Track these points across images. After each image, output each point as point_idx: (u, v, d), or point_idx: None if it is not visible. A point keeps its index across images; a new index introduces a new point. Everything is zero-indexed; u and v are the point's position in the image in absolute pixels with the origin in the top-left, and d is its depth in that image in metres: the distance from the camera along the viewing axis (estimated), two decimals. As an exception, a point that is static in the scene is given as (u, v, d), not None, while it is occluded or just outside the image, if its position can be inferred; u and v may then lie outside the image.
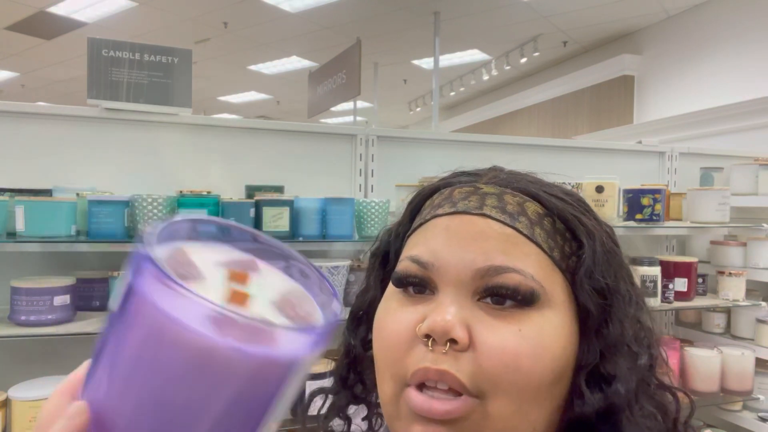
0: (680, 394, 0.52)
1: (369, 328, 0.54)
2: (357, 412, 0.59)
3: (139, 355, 0.29)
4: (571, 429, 0.45)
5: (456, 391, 0.43)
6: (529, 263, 0.45)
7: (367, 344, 0.55)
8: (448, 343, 0.43)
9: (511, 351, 0.42)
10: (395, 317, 0.47)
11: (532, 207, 0.48)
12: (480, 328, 0.43)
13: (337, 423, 0.59)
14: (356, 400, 0.57)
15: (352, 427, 0.58)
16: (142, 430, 0.30)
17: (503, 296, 0.44)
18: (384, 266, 0.57)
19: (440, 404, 0.42)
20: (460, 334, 0.42)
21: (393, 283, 0.49)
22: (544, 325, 0.44)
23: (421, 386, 0.44)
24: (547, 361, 0.43)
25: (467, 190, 0.49)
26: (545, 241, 0.46)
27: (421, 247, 0.48)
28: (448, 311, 0.43)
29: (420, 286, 0.47)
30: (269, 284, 0.34)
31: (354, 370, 0.57)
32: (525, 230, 0.46)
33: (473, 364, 0.43)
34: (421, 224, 0.50)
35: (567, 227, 0.48)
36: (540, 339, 0.43)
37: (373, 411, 0.58)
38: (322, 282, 0.35)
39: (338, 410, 0.58)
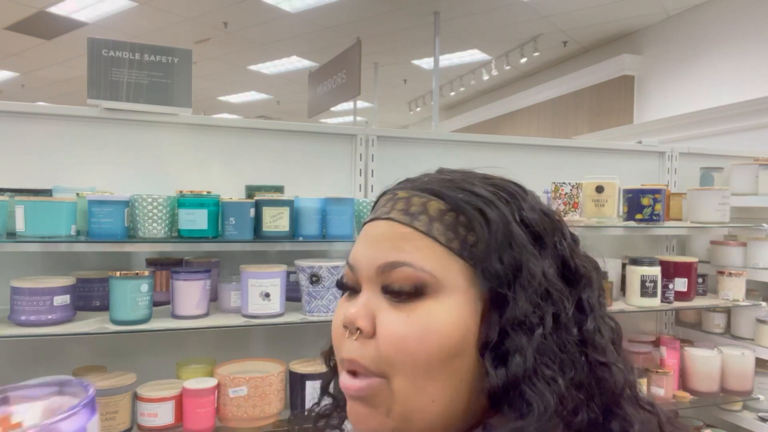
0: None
1: None
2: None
3: None
4: (493, 399, 0.49)
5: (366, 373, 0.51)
6: (422, 256, 0.51)
7: None
8: (358, 331, 0.51)
9: (398, 336, 0.49)
10: (337, 315, 0.56)
11: (435, 205, 0.53)
12: (381, 317, 0.51)
13: (324, 400, 0.67)
14: (340, 407, 0.65)
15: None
16: None
17: (395, 292, 0.51)
18: None
19: (353, 383, 0.51)
20: (362, 323, 0.51)
21: (336, 286, 0.58)
22: (434, 310, 0.50)
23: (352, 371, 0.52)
24: (434, 342, 0.49)
25: (388, 197, 0.57)
26: (443, 234, 0.52)
27: (351, 253, 0.56)
28: (356, 304, 0.52)
29: (353, 288, 0.55)
30: (29, 408, 0.49)
31: (335, 379, 0.64)
32: (422, 227, 0.52)
33: (375, 350, 0.50)
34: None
35: (467, 219, 0.52)
36: (426, 323, 0.49)
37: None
38: (82, 384, 0.48)
39: (324, 417, 0.65)
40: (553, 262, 0.53)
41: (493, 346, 0.49)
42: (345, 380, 0.52)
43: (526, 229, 0.53)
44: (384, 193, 0.59)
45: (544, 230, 0.54)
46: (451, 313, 0.50)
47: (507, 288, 0.50)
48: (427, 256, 0.51)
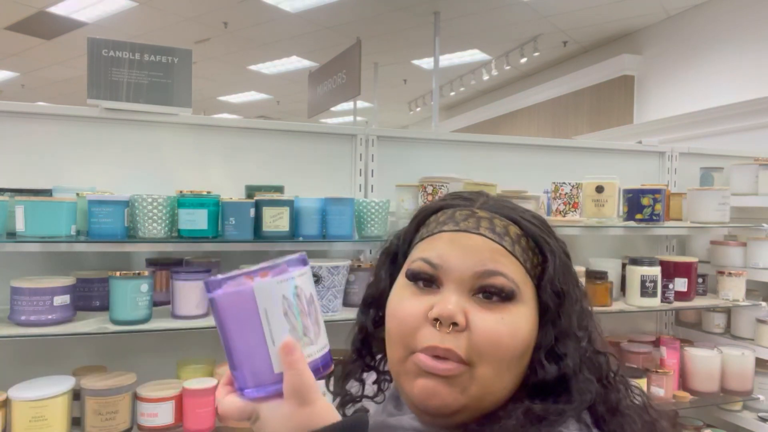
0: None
1: (378, 311, 0.72)
2: (367, 378, 0.75)
3: (218, 328, 0.53)
4: (533, 390, 0.62)
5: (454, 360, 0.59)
6: (511, 270, 0.62)
7: (377, 323, 0.72)
8: (452, 326, 0.59)
9: (495, 333, 0.59)
10: (409, 302, 0.63)
11: (513, 229, 0.65)
12: (474, 315, 0.60)
13: (352, 385, 0.75)
14: (368, 368, 0.75)
15: (366, 389, 0.74)
16: (235, 367, 0.52)
17: (491, 293, 0.61)
18: (393, 263, 0.72)
19: (443, 364, 0.59)
20: (460, 319, 0.59)
21: (407, 277, 0.65)
22: (518, 315, 0.61)
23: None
24: (519, 341, 0.60)
25: (466, 212, 0.66)
26: (521, 255, 0.63)
27: (431, 252, 0.64)
28: (452, 302, 0.60)
29: (429, 281, 0.63)
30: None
31: (365, 343, 0.74)
32: (509, 247, 0.63)
33: (468, 342, 0.59)
34: (429, 235, 0.67)
35: (537, 245, 0.65)
36: (515, 324, 0.60)
37: (381, 377, 0.74)
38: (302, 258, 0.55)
39: (354, 374, 0.74)
40: (577, 283, 0.67)
41: (548, 348, 0.62)
42: (429, 361, 0.59)
43: (567, 257, 0.67)
44: (444, 207, 0.69)
45: (569, 257, 0.68)
46: (528, 319, 0.62)
47: (559, 306, 0.63)
48: (513, 270, 0.62)
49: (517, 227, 0.65)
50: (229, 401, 0.53)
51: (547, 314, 0.63)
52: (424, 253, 0.64)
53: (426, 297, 0.62)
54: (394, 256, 0.72)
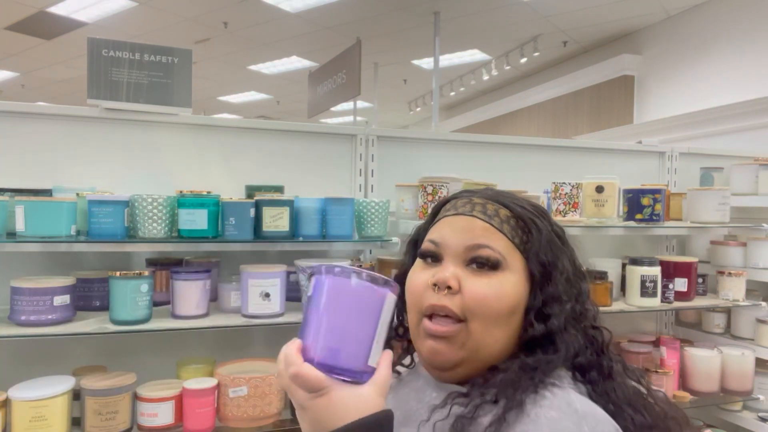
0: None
1: (403, 289, 0.81)
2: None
3: (326, 306, 0.61)
4: (527, 347, 0.73)
5: (451, 318, 0.72)
6: (498, 244, 0.74)
7: (403, 299, 0.81)
8: (447, 289, 0.72)
9: (482, 293, 0.72)
10: (418, 275, 0.77)
11: (504, 212, 0.77)
12: (465, 281, 0.73)
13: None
14: (398, 338, 0.87)
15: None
16: (331, 345, 0.60)
17: (481, 263, 0.73)
18: (414, 249, 0.85)
19: (441, 327, 0.72)
20: (453, 283, 0.72)
21: (418, 256, 0.80)
22: (504, 280, 0.73)
23: (431, 316, 0.73)
24: (504, 301, 0.72)
25: (464, 200, 0.80)
26: (509, 232, 0.75)
27: (435, 234, 0.78)
28: (448, 270, 0.73)
29: (434, 257, 0.77)
30: None
31: (396, 316, 0.84)
32: (497, 225, 0.75)
33: (461, 301, 0.72)
34: (436, 222, 0.81)
35: (524, 224, 0.76)
36: (500, 288, 0.72)
37: (410, 345, 0.85)
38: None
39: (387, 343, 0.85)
40: (570, 261, 0.78)
41: (537, 310, 0.73)
42: (430, 324, 0.73)
43: (557, 237, 0.78)
44: (451, 199, 0.82)
45: (563, 238, 0.79)
46: (514, 284, 0.73)
47: (547, 275, 0.74)
48: (500, 245, 0.74)
49: (507, 210, 0.77)
50: (309, 368, 0.60)
51: (535, 281, 0.74)
52: (431, 235, 0.79)
53: (431, 269, 0.76)
54: (416, 242, 0.85)
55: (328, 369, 0.60)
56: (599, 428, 0.64)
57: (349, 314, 0.61)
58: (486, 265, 0.73)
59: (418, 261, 0.79)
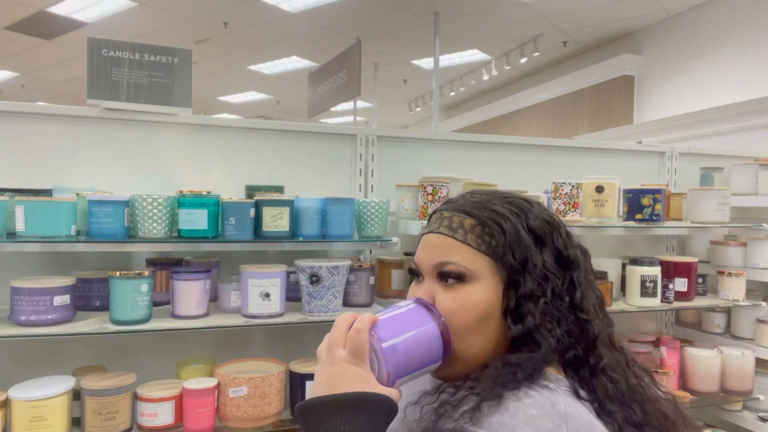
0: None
1: None
2: None
3: (418, 334, 0.75)
4: (512, 346, 0.76)
5: None
6: (461, 257, 0.77)
7: None
8: None
9: (449, 307, 0.77)
10: (412, 291, 0.83)
11: (468, 221, 0.79)
12: (437, 296, 0.79)
13: None
14: None
15: None
16: (393, 343, 0.73)
17: (448, 277, 0.78)
18: None
19: None
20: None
21: (410, 274, 0.86)
22: (470, 292, 0.76)
23: None
24: (470, 311, 0.76)
25: (438, 215, 0.83)
26: (474, 241, 0.78)
27: (416, 253, 0.84)
28: (422, 288, 0.81)
29: (418, 275, 0.83)
30: None
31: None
32: (461, 238, 0.78)
33: None
34: (419, 239, 0.86)
35: (489, 230, 0.78)
36: (465, 300, 0.76)
37: None
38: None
39: None
40: (551, 254, 0.79)
41: (512, 311, 0.76)
42: None
43: (530, 234, 0.78)
44: (435, 212, 0.85)
45: (544, 232, 0.79)
46: (481, 292, 0.76)
47: (518, 274, 0.76)
48: (464, 257, 0.77)
49: (471, 219, 0.79)
50: (372, 338, 0.71)
51: (506, 283, 0.77)
52: (415, 254, 0.85)
53: (418, 286, 0.83)
54: None
55: (388, 359, 0.71)
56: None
57: (421, 350, 0.74)
58: (453, 278, 0.77)
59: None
